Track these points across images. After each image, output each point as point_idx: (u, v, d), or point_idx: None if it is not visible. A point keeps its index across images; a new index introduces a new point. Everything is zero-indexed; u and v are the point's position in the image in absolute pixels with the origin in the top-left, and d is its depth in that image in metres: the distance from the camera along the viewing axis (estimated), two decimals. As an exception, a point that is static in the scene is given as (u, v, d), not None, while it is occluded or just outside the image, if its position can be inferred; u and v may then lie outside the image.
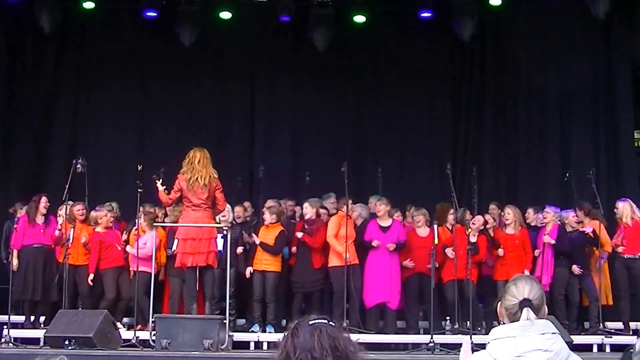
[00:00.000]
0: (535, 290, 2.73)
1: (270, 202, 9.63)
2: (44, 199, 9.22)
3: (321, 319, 2.28)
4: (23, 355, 7.88)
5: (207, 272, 8.52)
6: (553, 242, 9.13)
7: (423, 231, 9.40)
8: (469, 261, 8.68)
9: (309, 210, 9.41)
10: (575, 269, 9.10)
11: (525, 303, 2.68)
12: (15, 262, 8.98)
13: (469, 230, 8.96)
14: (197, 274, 8.45)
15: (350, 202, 9.27)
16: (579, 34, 11.86)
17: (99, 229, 9.34)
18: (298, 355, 2.20)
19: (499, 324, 2.84)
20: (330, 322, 2.27)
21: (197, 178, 8.32)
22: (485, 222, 9.48)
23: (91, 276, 9.17)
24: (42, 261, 9.13)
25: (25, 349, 8.09)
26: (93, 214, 9.43)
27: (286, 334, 2.27)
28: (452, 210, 9.23)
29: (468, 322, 8.55)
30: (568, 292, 9.22)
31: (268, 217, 9.32)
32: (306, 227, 9.35)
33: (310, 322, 2.26)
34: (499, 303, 2.78)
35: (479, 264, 9.33)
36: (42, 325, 8.90)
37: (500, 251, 9.23)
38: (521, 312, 2.67)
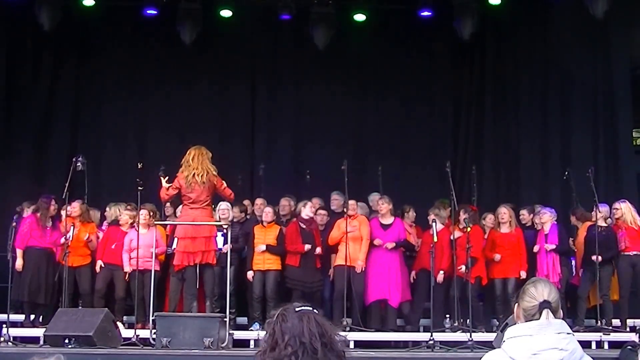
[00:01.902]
0: (554, 292, 2.78)
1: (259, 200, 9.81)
2: (53, 202, 9.19)
3: (307, 306, 2.32)
4: (22, 354, 7.87)
5: (207, 270, 8.53)
6: (553, 247, 9.17)
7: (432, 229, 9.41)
8: (468, 259, 8.69)
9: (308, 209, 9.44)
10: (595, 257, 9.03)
11: (545, 305, 2.72)
12: (20, 262, 8.98)
13: (468, 228, 8.96)
14: (197, 272, 8.46)
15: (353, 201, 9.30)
16: (578, 33, 11.87)
17: (124, 228, 9.32)
18: (287, 341, 2.23)
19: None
20: (315, 310, 2.31)
21: (193, 175, 8.31)
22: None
23: (99, 263, 9.16)
24: (45, 264, 9.12)
25: (24, 348, 8.07)
26: (124, 211, 9.42)
27: (273, 321, 2.29)
28: (461, 210, 9.28)
29: (468, 320, 8.56)
30: (580, 289, 9.25)
31: (270, 217, 9.34)
32: (303, 226, 9.34)
33: (297, 309, 2.30)
34: (516, 304, 2.81)
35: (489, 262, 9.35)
36: (41, 324, 8.89)
37: (497, 256, 9.23)
38: (540, 314, 2.71)
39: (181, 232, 8.52)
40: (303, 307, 2.31)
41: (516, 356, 2.64)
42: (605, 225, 9.27)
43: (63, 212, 9.38)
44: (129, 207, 9.30)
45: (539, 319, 2.71)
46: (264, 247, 9.16)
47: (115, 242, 9.29)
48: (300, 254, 9.19)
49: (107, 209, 9.87)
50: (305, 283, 9.19)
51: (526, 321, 2.74)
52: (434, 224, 8.87)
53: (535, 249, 9.28)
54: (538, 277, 2.80)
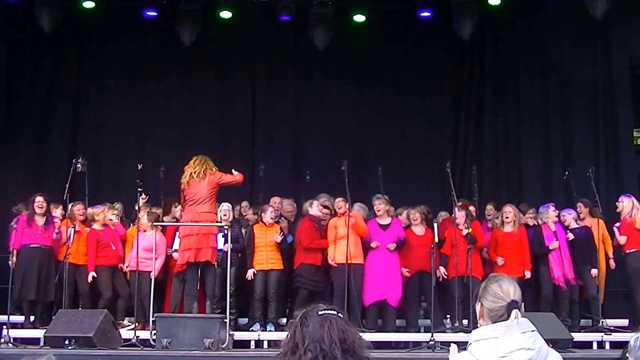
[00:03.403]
0: (518, 290, 2.74)
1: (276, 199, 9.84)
2: (38, 199, 9.13)
3: (330, 309, 2.27)
4: (23, 355, 7.86)
5: (208, 270, 8.54)
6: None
7: (419, 229, 9.41)
8: (469, 259, 8.67)
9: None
10: (594, 272, 9.12)
11: (513, 305, 2.68)
12: (13, 260, 8.94)
13: (469, 229, 8.94)
14: (199, 273, 8.48)
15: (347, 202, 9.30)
16: (578, 33, 11.87)
17: (95, 226, 9.33)
18: (307, 346, 2.18)
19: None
20: (339, 314, 2.25)
21: (190, 174, 8.50)
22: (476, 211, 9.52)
23: (91, 275, 9.13)
24: (39, 261, 9.06)
25: (24, 349, 8.06)
26: (90, 210, 9.41)
27: (294, 323, 2.25)
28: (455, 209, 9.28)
29: (468, 321, 8.54)
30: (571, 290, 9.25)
31: (273, 216, 9.34)
32: (315, 224, 9.36)
33: (320, 313, 2.25)
34: (479, 305, 2.75)
35: (485, 261, 9.31)
36: (41, 325, 8.87)
37: (500, 260, 9.17)
38: (509, 314, 2.66)
39: (182, 232, 8.60)
40: (326, 311, 2.26)
41: (484, 359, 2.61)
42: (578, 226, 9.29)
43: (56, 212, 9.41)
44: (147, 209, 9.28)
45: (506, 319, 2.66)
46: (279, 239, 9.15)
47: (108, 242, 9.27)
48: (319, 253, 9.24)
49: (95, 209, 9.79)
50: (319, 282, 9.22)
51: (493, 322, 2.69)
52: (434, 224, 8.85)
53: (555, 244, 9.13)
54: (499, 274, 2.71)
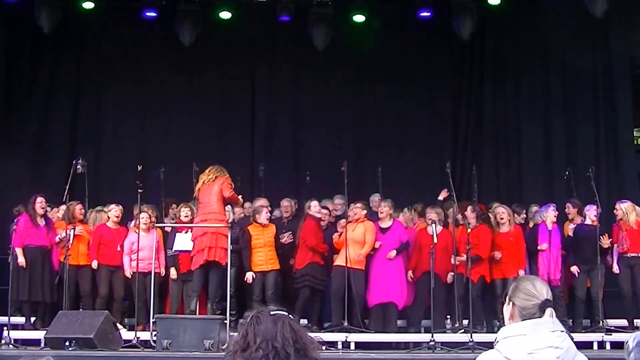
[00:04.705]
0: (550, 290, 2.76)
1: (263, 201, 9.80)
2: (39, 199, 9.13)
3: (282, 311, 2.29)
4: (22, 356, 7.85)
5: (214, 270, 8.55)
6: (546, 247, 9.16)
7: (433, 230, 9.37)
8: (469, 260, 8.66)
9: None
10: (574, 268, 9.11)
11: (548, 303, 2.69)
12: (21, 259, 8.92)
13: (469, 229, 8.93)
14: (204, 274, 8.50)
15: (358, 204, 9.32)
16: (578, 32, 11.87)
17: (109, 223, 9.33)
18: (259, 344, 2.19)
19: (499, 323, 2.84)
20: (290, 315, 2.28)
21: (203, 181, 8.66)
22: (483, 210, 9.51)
23: (94, 263, 9.13)
24: (42, 262, 9.09)
25: (25, 351, 8.07)
26: (113, 207, 9.40)
27: (246, 322, 2.26)
28: (469, 208, 9.30)
29: (468, 321, 8.52)
30: (575, 288, 9.23)
31: (267, 218, 9.34)
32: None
33: (272, 313, 2.27)
34: (510, 304, 2.75)
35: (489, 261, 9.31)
36: (42, 327, 8.86)
37: (497, 254, 9.18)
38: (543, 313, 2.67)
39: (194, 234, 8.65)
40: (278, 312, 2.28)
41: (512, 356, 2.61)
42: (592, 224, 9.25)
43: (59, 214, 9.41)
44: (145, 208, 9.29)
45: (539, 317, 2.68)
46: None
47: (115, 243, 9.25)
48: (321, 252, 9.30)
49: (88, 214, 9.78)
50: (322, 280, 9.24)
51: (523, 320, 2.71)
52: (433, 224, 8.82)
53: (543, 246, 9.16)
54: (528, 275, 2.73)
